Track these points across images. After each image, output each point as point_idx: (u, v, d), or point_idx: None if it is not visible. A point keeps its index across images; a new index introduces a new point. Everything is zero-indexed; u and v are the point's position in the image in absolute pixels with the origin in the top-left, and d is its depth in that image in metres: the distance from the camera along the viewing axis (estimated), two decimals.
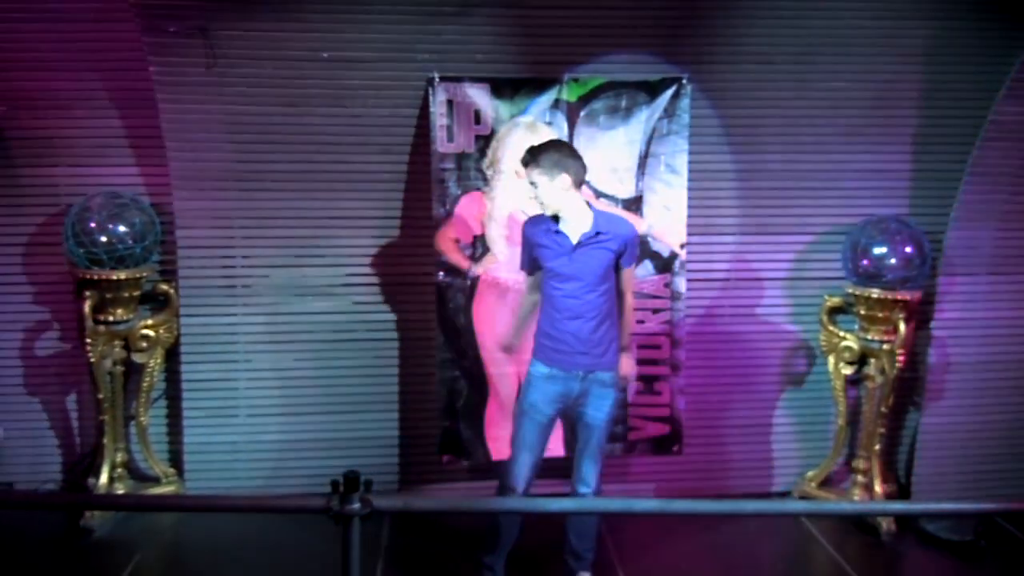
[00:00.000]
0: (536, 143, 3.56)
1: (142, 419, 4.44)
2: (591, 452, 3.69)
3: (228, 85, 4.19)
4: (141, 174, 4.38)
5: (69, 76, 4.23)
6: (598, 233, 3.49)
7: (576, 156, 3.52)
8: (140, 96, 4.20)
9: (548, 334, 3.59)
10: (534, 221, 3.64)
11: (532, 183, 3.47)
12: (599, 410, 3.63)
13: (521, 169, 3.56)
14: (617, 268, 3.59)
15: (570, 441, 4.17)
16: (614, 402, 3.70)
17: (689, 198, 4.36)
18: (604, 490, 4.64)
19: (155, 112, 4.17)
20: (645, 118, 4.31)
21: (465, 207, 4.28)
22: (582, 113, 4.29)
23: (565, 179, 3.44)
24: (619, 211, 4.31)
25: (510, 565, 3.82)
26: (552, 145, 3.54)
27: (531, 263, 3.67)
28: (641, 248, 4.37)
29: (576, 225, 3.51)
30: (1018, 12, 4.27)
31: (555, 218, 3.53)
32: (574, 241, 3.50)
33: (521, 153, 3.53)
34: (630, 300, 3.75)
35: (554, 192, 3.45)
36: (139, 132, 4.32)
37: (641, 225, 4.36)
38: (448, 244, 4.31)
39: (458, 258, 4.31)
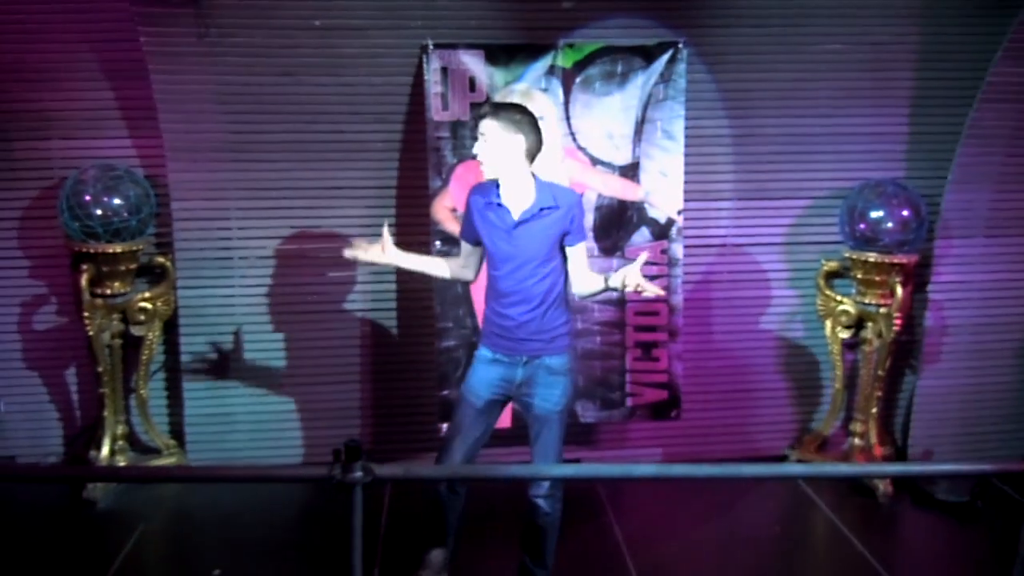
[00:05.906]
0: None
1: (142, 391, 4.44)
2: (545, 449, 3.27)
3: (220, 55, 4.15)
4: (135, 146, 4.35)
5: (59, 47, 4.18)
6: (541, 209, 3.14)
7: (537, 129, 3.13)
8: (132, 67, 4.16)
9: (491, 320, 3.29)
10: (480, 189, 3.27)
11: (482, 133, 3.11)
12: (547, 400, 3.24)
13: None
14: (563, 250, 3.23)
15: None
16: (565, 391, 3.29)
17: (686, 163, 4.33)
18: (604, 456, 4.73)
19: (147, 83, 4.14)
20: (641, 83, 4.28)
21: (461, 176, 4.25)
22: (578, 79, 4.26)
23: (519, 142, 3.08)
24: (614, 178, 4.30)
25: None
26: (517, 107, 3.23)
27: (471, 232, 3.29)
28: (638, 215, 4.38)
29: (519, 200, 3.16)
30: None
31: (498, 189, 3.19)
32: (515, 218, 3.16)
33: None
34: (591, 278, 3.31)
35: (502, 151, 3.08)
36: (132, 104, 4.28)
37: (638, 192, 4.35)
38: (444, 213, 4.29)
39: (454, 227, 4.28)
